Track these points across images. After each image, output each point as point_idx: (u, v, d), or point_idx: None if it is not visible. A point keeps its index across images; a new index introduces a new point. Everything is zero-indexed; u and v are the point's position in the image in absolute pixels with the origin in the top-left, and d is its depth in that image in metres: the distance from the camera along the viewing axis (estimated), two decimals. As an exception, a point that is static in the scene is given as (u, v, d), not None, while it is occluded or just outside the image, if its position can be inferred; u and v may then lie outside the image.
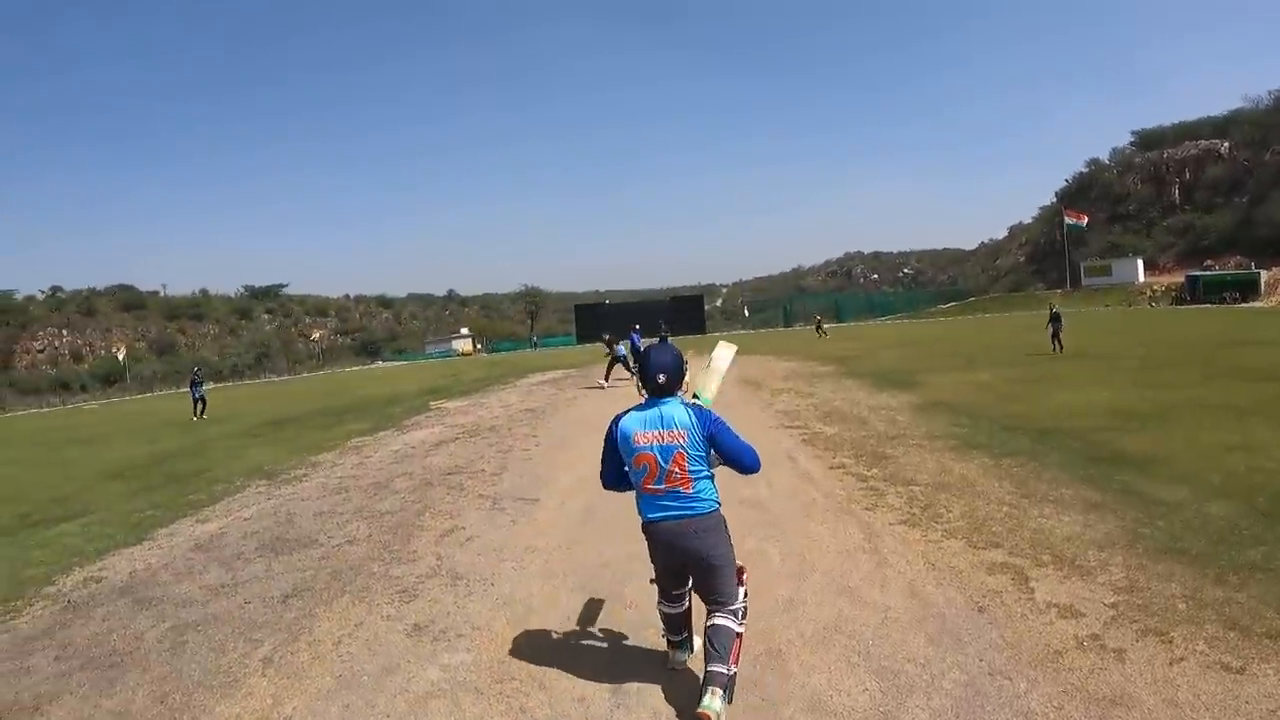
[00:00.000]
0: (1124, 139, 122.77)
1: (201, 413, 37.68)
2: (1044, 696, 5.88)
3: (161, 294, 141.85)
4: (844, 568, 9.06)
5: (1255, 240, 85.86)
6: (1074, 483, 11.80)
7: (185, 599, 9.78)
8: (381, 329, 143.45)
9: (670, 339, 42.33)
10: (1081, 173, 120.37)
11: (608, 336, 36.74)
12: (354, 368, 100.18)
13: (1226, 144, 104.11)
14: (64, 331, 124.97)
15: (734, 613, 6.13)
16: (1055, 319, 33.91)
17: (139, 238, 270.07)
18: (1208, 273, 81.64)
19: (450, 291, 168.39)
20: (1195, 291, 76.21)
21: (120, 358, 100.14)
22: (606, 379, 34.78)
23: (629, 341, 35.65)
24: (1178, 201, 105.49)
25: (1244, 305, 67.58)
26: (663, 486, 5.96)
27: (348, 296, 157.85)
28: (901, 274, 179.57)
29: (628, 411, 6.10)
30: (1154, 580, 7.88)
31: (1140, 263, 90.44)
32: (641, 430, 5.93)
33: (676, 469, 5.89)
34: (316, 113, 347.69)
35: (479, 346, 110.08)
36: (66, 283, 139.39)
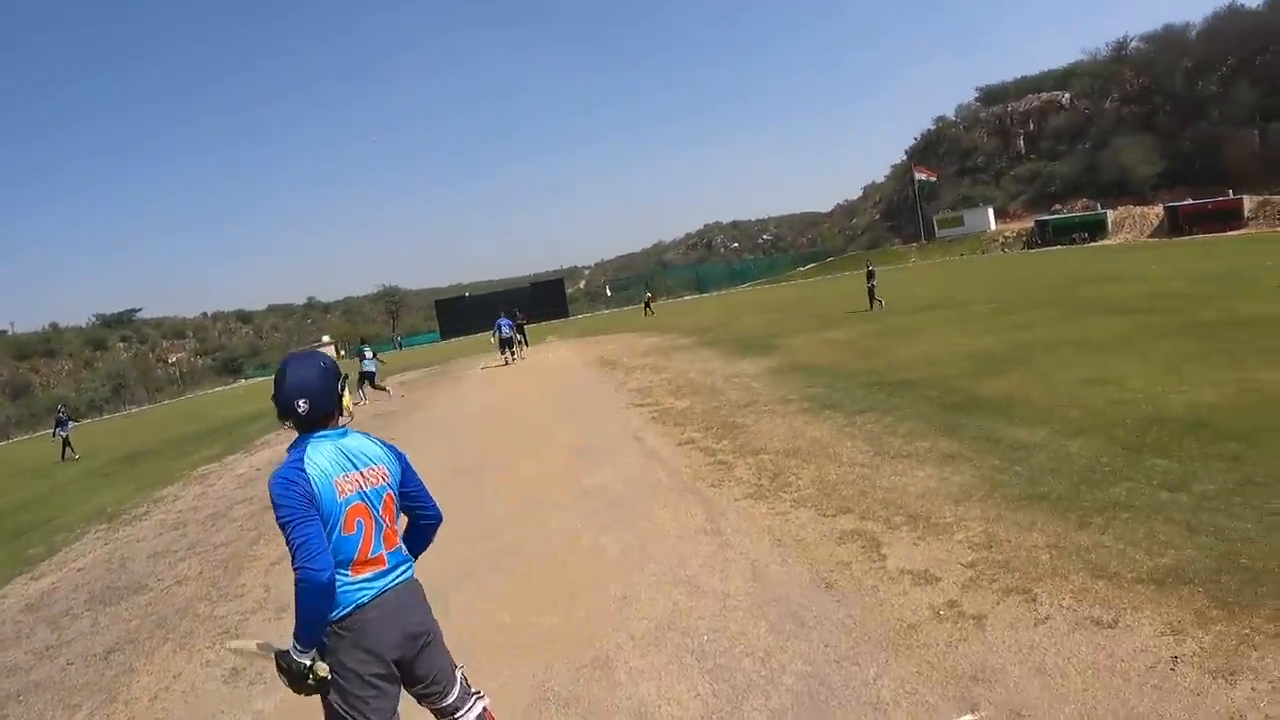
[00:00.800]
0: (969, 95, 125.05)
1: (68, 454, 34.86)
2: (896, 680, 5.23)
3: (10, 332, 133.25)
4: (683, 554, 8.37)
5: (1100, 184, 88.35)
6: (930, 434, 11.34)
7: (10, 667, 9.09)
8: (242, 345, 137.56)
9: (525, 325, 42.80)
10: (929, 130, 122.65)
11: (516, 310, 41.88)
12: (216, 389, 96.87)
13: (1068, 95, 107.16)
14: None
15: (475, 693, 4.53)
16: (870, 276, 34.48)
17: None
18: (1056, 216, 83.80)
19: (310, 299, 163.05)
20: (1045, 235, 78.21)
21: None
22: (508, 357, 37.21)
23: (501, 324, 37.84)
24: (1024, 151, 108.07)
25: (1094, 244, 69.59)
26: (382, 551, 4.17)
27: (205, 314, 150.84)
28: (761, 240, 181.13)
29: (303, 450, 4.10)
30: (1014, 531, 7.36)
31: (991, 212, 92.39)
32: (341, 475, 4.09)
33: (388, 518, 4.27)
34: (157, 118, 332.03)
35: (343, 353, 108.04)
36: None
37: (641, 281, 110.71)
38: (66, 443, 34.96)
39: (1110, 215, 77.07)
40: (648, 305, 66.81)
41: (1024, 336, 18.73)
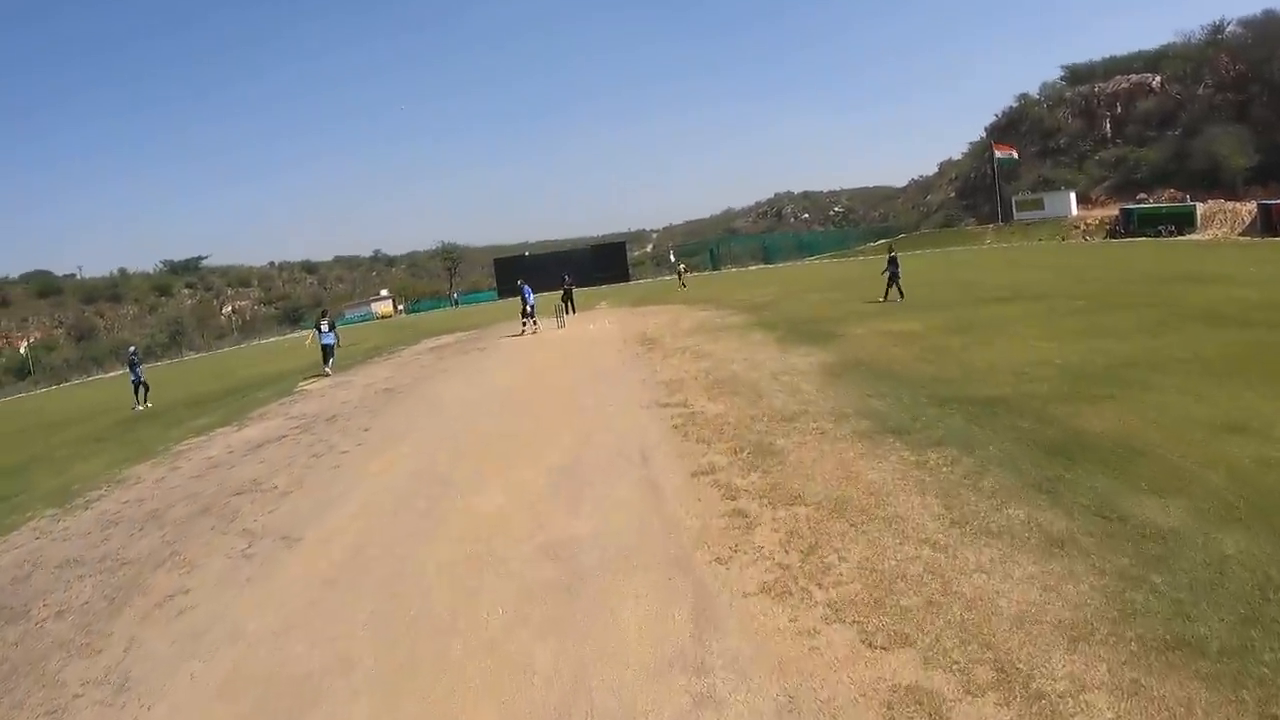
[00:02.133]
0: (1054, 73, 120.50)
1: (144, 398, 32.28)
2: None
3: (78, 277, 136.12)
4: (636, 707, 5.80)
5: (1189, 173, 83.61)
6: (1025, 494, 8.56)
7: None
8: (306, 295, 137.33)
9: (573, 290, 40.79)
10: (1011, 107, 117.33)
11: (565, 275, 42.98)
12: (273, 338, 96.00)
13: (1158, 78, 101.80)
14: None
15: None
16: (892, 263, 30.75)
17: (52, 219, 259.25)
18: (1142, 206, 79.48)
19: (376, 252, 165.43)
20: (1130, 225, 74.18)
21: (22, 351, 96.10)
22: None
23: (523, 292, 37.16)
24: (1109, 135, 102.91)
25: (1180, 238, 65.69)
26: None
27: (271, 264, 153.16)
28: (832, 212, 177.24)
29: None
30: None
31: (1073, 196, 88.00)
32: None
33: None
34: (230, 68, 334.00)
35: (399, 307, 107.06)
36: None
37: (706, 248, 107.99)
38: (141, 387, 32.72)
39: (1200, 209, 72.90)
40: (680, 277, 62.93)
41: (1123, 347, 15.59)
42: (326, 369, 31.59)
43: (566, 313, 39.79)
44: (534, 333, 35.44)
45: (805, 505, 8.99)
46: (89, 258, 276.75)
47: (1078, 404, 11.68)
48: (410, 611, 7.85)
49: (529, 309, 36.39)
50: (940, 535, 7.78)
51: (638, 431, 13.56)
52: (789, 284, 46.26)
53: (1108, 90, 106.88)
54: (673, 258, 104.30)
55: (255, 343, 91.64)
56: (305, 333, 31.43)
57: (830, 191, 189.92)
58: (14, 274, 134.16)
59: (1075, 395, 12.19)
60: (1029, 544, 7.36)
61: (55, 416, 37.12)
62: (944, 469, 9.61)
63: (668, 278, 70.17)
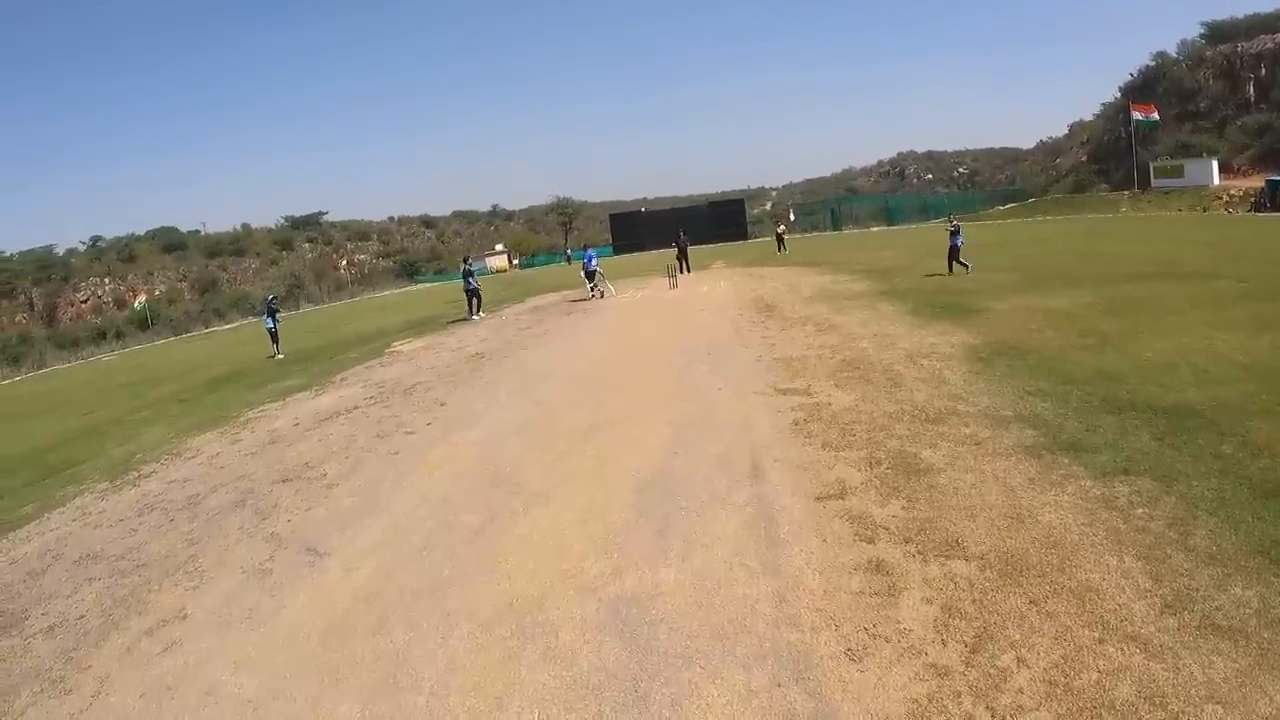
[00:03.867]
0: (1193, 30, 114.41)
1: (276, 349, 32.23)
2: None
3: (202, 232, 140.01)
4: None
5: (1341, 143, 78.41)
6: (1252, 563, 6.34)
7: None
8: (424, 249, 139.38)
9: (687, 248, 39.60)
10: (1148, 66, 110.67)
11: (681, 231, 43.11)
12: (387, 291, 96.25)
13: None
14: (106, 280, 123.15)
15: None
16: (954, 234, 28.24)
17: (179, 176, 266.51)
18: (1291, 178, 74.78)
19: (495, 206, 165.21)
20: (1276, 198, 69.60)
21: (137, 306, 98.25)
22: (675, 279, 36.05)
23: (584, 257, 37.40)
24: (1253, 99, 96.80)
25: (1331, 216, 61.26)
26: None
27: (391, 219, 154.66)
28: (956, 174, 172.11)
29: None
30: None
31: (1215, 164, 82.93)
32: None
33: None
34: (348, 29, 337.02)
35: (515, 262, 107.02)
36: (107, 231, 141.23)
37: (826, 207, 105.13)
38: (275, 336, 32.64)
39: (1354, 182, 67.97)
40: (780, 240, 56.06)
41: None
42: (475, 315, 32.75)
43: (681, 272, 38.40)
44: (599, 297, 34.69)
45: (966, 559, 6.89)
46: (213, 214, 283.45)
47: (1287, 421, 9.24)
48: (409, 714, 6.03)
49: (592, 273, 35.79)
50: (1152, 629, 5.62)
51: (749, 428, 11.53)
52: (916, 248, 43.01)
53: (1252, 50, 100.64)
54: (792, 216, 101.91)
55: (371, 296, 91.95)
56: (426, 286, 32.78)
57: (955, 152, 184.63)
58: (140, 231, 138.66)
59: (1276, 409, 9.79)
60: (1273, 653, 5.21)
61: (158, 372, 36.93)
62: (1140, 511, 7.38)
63: (788, 236, 67.81)
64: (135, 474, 15.55)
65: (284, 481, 12.84)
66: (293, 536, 10.30)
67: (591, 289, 35.47)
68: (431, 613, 7.37)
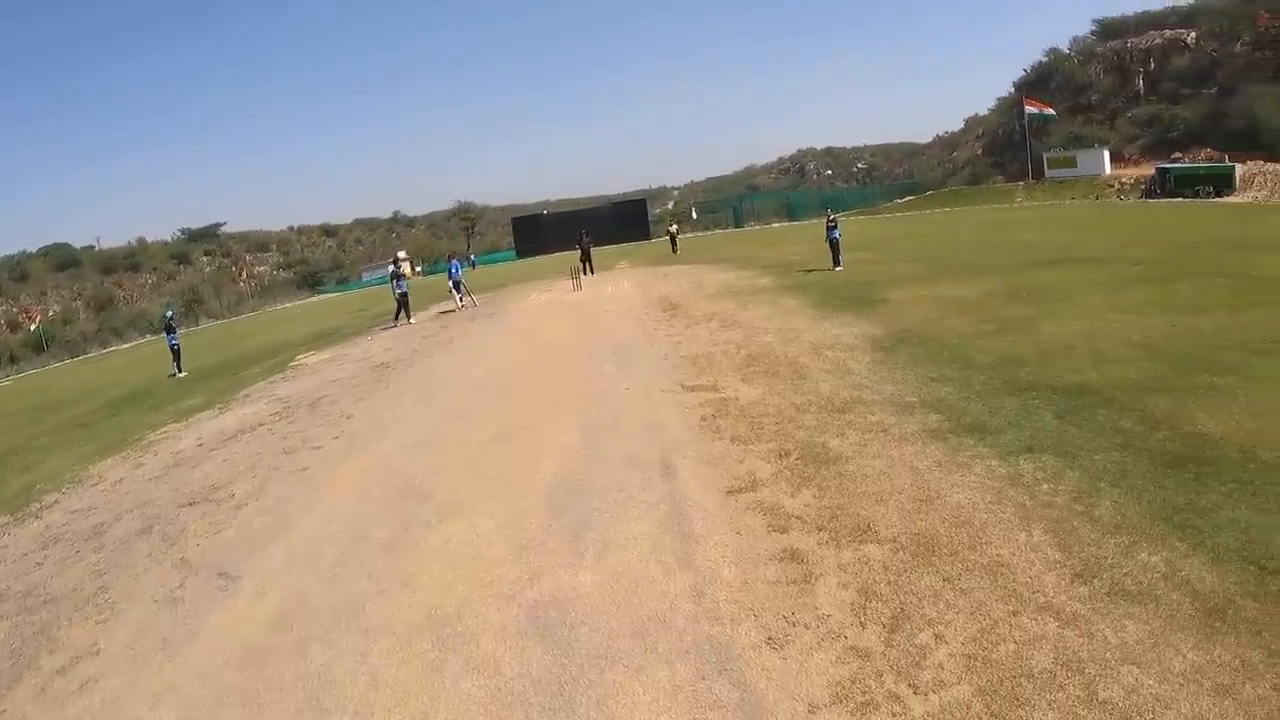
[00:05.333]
0: (1085, 28, 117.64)
1: (180, 365, 31.10)
2: None
3: (96, 248, 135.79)
4: None
5: (1225, 133, 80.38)
6: (1155, 530, 6.58)
7: None
8: (325, 258, 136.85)
9: (590, 250, 40.15)
10: (1041, 62, 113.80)
11: (584, 232, 42.66)
12: (289, 303, 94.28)
13: (1193, 34, 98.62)
14: None
15: None
16: (832, 227, 28.81)
17: (68, 190, 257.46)
18: (1179, 165, 76.66)
19: (395, 213, 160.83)
20: (1166, 185, 71.27)
21: (32, 328, 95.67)
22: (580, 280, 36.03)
23: (449, 268, 37.16)
24: (1142, 92, 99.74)
25: (1219, 200, 63.05)
26: None
27: (291, 228, 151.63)
28: (856, 169, 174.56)
29: None
30: None
31: (1106, 154, 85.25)
32: None
33: None
34: (246, 36, 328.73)
35: (418, 269, 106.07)
36: None
37: (729, 205, 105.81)
38: (176, 353, 31.65)
39: (1239, 170, 70.22)
40: (673, 240, 54.41)
41: (1205, 324, 13.32)
42: (398, 323, 31.71)
43: (585, 273, 38.37)
44: (469, 306, 34.51)
45: (879, 543, 6.97)
46: (107, 228, 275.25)
47: (1180, 396, 9.65)
48: None
49: (458, 283, 35.52)
50: (1064, 598, 5.78)
51: (659, 426, 11.55)
52: (818, 242, 43.30)
53: (1141, 46, 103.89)
54: (694, 214, 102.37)
55: (273, 308, 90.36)
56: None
57: (854, 148, 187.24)
58: (32, 248, 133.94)
59: (1173, 385, 10.15)
60: (1181, 614, 5.41)
61: (55, 396, 35.73)
62: (1045, 487, 7.60)
63: (687, 235, 67.66)
64: (37, 505, 15.00)
65: (191, 505, 12.50)
66: (203, 561, 10.03)
67: (460, 298, 35.26)
68: (350, 630, 7.22)
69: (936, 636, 5.56)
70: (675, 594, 6.77)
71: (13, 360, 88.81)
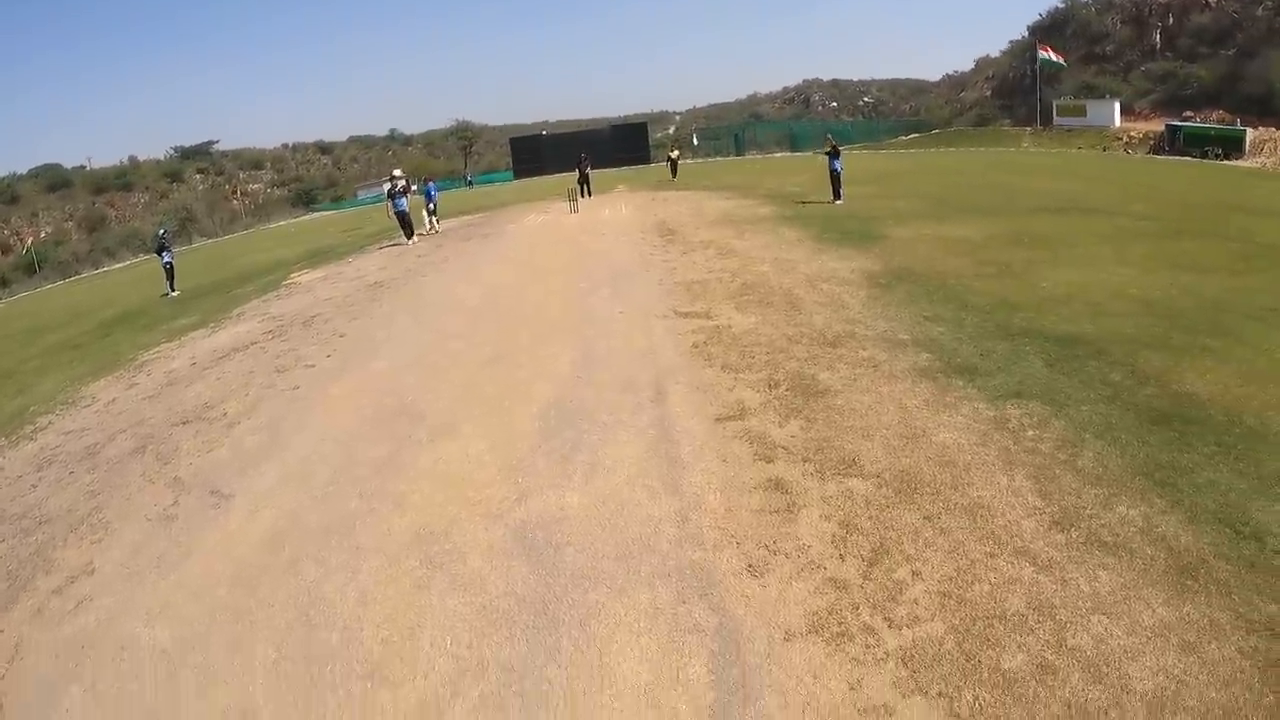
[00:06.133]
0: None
1: (170, 287, 30.83)
2: None
3: (87, 168, 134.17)
4: None
5: (1240, 96, 79.08)
6: (1136, 485, 6.62)
7: None
8: (320, 176, 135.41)
9: (589, 173, 40.96)
10: (1057, 8, 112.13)
11: (583, 154, 42.08)
12: (283, 222, 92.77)
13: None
14: None
15: None
16: (834, 156, 27.82)
17: (60, 111, 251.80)
18: (1189, 124, 75.86)
19: (392, 131, 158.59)
20: (1175, 142, 70.44)
21: (24, 250, 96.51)
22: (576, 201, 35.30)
23: (426, 190, 36.38)
24: (1159, 47, 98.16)
25: (1227, 163, 62.66)
26: None
27: (285, 146, 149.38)
28: (861, 103, 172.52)
29: None
30: None
31: (1117, 106, 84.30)
32: None
33: None
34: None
35: (414, 187, 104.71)
36: None
37: (731, 132, 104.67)
38: (170, 272, 31.33)
39: (1249, 134, 69.82)
40: (673, 165, 51.89)
41: (1207, 285, 13.14)
42: (408, 239, 30.97)
43: (582, 196, 38.02)
44: (435, 232, 33.97)
45: (863, 478, 7.05)
46: (98, 148, 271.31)
47: (1173, 355, 9.63)
48: (325, 650, 6.03)
49: (434, 208, 35.37)
50: (1041, 544, 5.87)
51: (652, 351, 11.59)
52: (820, 173, 43.17)
53: (1160, 0, 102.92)
54: (695, 140, 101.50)
55: (266, 227, 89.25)
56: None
57: (860, 81, 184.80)
58: (22, 169, 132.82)
59: (1167, 342, 10.12)
60: (1154, 569, 5.49)
61: (47, 319, 35.67)
62: (1030, 433, 7.65)
63: (688, 162, 67.10)
64: (30, 428, 15.07)
65: (184, 424, 12.59)
66: (196, 480, 10.12)
67: (432, 222, 35.00)
68: (340, 549, 7.33)
69: (914, 573, 5.66)
70: (660, 518, 6.87)
71: (4, 283, 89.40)
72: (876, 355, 10.30)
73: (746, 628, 5.35)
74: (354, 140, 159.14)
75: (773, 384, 9.59)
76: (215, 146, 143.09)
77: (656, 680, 5.04)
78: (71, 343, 24.97)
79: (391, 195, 31.70)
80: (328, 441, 10.15)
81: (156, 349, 19.30)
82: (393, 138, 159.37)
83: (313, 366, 14.03)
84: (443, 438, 9.50)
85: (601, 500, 7.34)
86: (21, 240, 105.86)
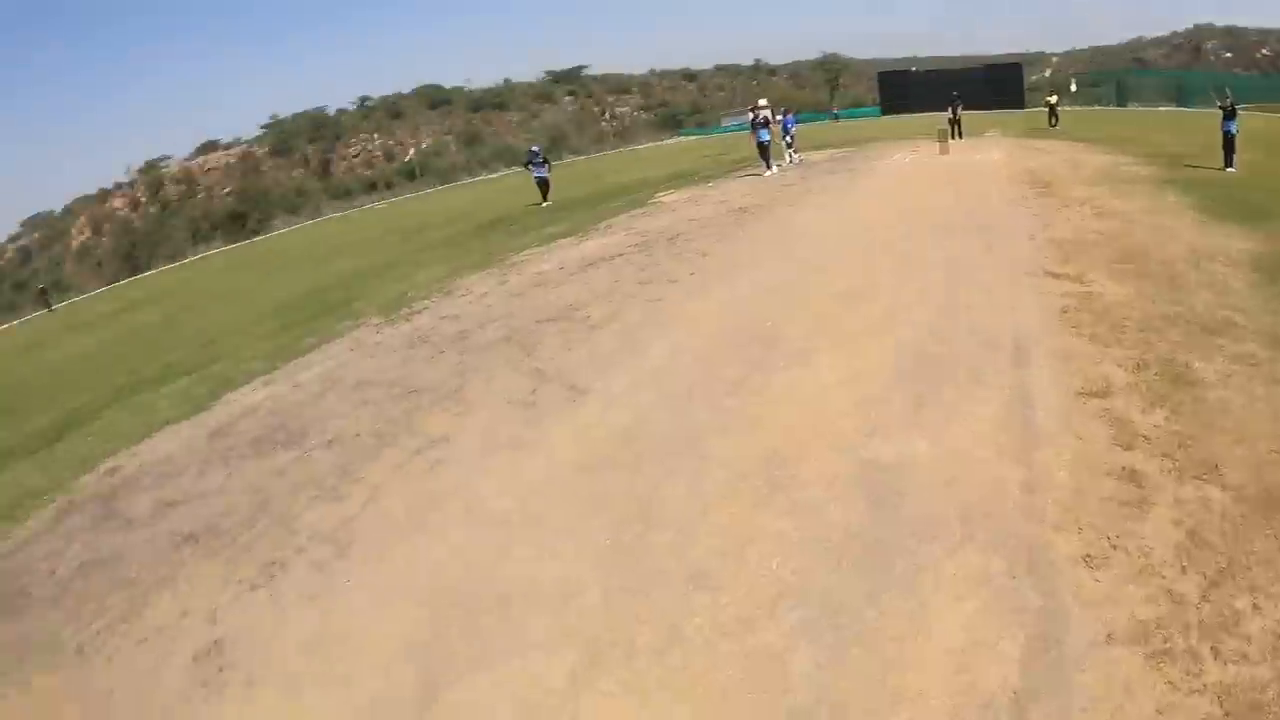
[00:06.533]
0: None
1: (547, 196, 33.07)
2: None
3: (465, 88, 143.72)
4: None
5: None
6: None
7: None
8: (685, 102, 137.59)
9: (962, 110, 39.49)
10: None
11: (955, 94, 39.83)
12: (648, 144, 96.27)
13: None
14: (375, 136, 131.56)
15: None
16: (1229, 117, 24.17)
17: (438, 35, 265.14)
18: None
19: (757, 61, 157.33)
20: None
21: (408, 159, 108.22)
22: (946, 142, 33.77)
23: (784, 122, 34.59)
24: None
25: None
26: None
27: (651, 71, 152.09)
28: (1259, 55, 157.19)
29: None
30: None
31: None
32: None
33: None
34: None
35: (778, 117, 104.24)
36: (374, 90, 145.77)
37: (1111, 80, 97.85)
38: (544, 185, 33.35)
39: None
40: (1052, 111, 50.36)
41: None
42: (767, 169, 30.93)
43: (953, 136, 36.46)
44: (790, 164, 32.60)
45: (1222, 487, 6.47)
46: (476, 70, 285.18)
47: None
48: (655, 546, 6.43)
49: (791, 139, 33.74)
50: None
51: (1016, 309, 11.14)
52: (1210, 134, 38.59)
53: None
54: (1073, 86, 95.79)
55: (632, 148, 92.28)
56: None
57: (1259, 30, 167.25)
58: (406, 89, 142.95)
59: None
60: None
61: (427, 219, 39.27)
62: None
63: (1065, 110, 63.02)
64: (408, 310, 16.77)
65: (548, 321, 13.41)
66: (555, 374, 10.80)
67: (789, 154, 33.77)
68: (686, 457, 7.70)
69: (1255, 606, 5.17)
70: (1006, 485, 6.73)
71: (389, 186, 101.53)
72: (1259, 352, 9.27)
73: (1072, 619, 5.17)
74: (719, 69, 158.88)
75: (1142, 365, 9.00)
76: (585, 71, 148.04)
77: (969, 647, 5.02)
78: (449, 240, 27.09)
79: (754, 125, 31.62)
80: (684, 354, 10.62)
81: (527, 252, 20.55)
82: (757, 67, 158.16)
83: (675, 282, 14.53)
84: (797, 365, 9.67)
85: (950, 454, 7.27)
86: (405, 150, 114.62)
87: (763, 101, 34.40)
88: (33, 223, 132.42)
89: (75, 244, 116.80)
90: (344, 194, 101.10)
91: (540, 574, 6.36)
